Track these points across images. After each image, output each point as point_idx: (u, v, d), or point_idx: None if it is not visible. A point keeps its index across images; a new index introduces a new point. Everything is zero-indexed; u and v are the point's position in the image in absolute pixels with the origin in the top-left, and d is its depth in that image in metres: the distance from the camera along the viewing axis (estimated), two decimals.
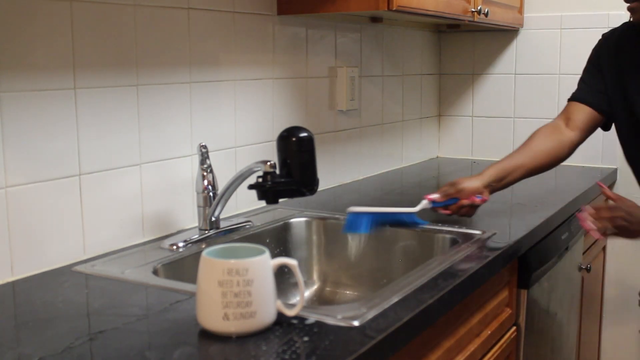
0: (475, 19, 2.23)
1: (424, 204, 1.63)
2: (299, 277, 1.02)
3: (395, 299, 1.14)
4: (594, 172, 2.52)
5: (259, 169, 1.42)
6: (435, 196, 1.63)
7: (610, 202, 1.62)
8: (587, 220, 1.49)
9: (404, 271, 1.61)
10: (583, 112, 1.78)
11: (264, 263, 1.00)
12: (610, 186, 2.60)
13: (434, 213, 1.66)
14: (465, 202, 1.62)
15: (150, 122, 1.53)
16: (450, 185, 1.64)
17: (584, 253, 2.25)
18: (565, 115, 1.82)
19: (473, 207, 1.64)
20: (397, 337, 1.04)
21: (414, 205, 1.64)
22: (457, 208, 1.63)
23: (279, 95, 1.93)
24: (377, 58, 2.42)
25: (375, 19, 2.33)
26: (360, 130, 2.36)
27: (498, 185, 1.69)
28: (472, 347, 1.40)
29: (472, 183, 1.63)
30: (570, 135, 1.78)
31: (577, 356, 2.29)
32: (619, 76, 1.68)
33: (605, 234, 1.50)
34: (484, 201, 1.64)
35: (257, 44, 1.83)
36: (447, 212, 1.63)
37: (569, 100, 1.83)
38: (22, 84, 1.26)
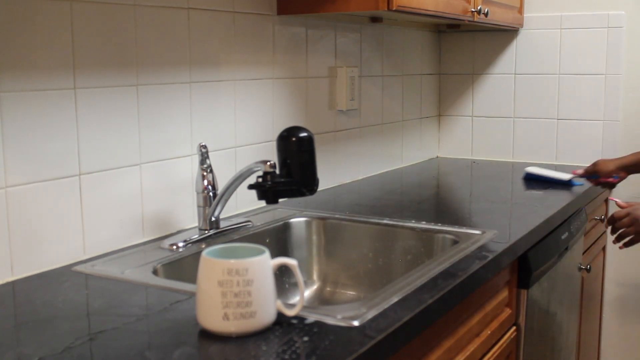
0: (475, 19, 2.23)
1: (570, 175, 2.15)
2: (299, 277, 1.02)
3: (395, 299, 1.14)
4: None
5: (259, 169, 1.42)
6: (579, 171, 2.12)
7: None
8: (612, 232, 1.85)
9: (404, 271, 1.61)
10: None
11: (264, 263, 1.00)
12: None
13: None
14: (602, 180, 2.06)
15: (150, 122, 1.53)
16: (592, 165, 2.09)
17: (584, 253, 2.25)
18: None
19: (612, 185, 2.08)
20: (397, 337, 1.04)
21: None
22: (596, 184, 2.09)
23: (279, 95, 1.93)
24: (377, 58, 2.42)
25: (375, 19, 2.33)
26: (360, 130, 2.36)
27: (636, 169, 2.04)
28: (472, 347, 1.40)
29: (608, 166, 2.04)
30: None
31: (577, 356, 2.29)
32: None
33: (626, 244, 1.79)
34: (619, 180, 2.05)
35: (257, 44, 1.83)
36: (592, 183, 2.11)
37: None
38: (22, 84, 1.26)
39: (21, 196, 1.28)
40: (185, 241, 1.48)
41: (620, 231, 1.90)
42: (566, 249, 1.96)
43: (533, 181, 2.24)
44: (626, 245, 1.92)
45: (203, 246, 1.47)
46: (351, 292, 1.70)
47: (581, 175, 2.10)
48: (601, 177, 2.04)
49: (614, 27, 2.56)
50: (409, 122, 2.69)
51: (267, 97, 1.88)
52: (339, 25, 2.18)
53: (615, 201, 1.91)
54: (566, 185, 2.15)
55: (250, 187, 1.42)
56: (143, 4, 1.49)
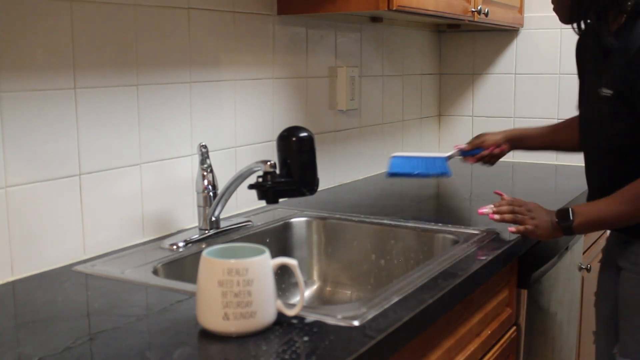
0: (475, 19, 2.23)
1: (453, 151, 1.91)
2: (299, 277, 1.02)
3: (395, 299, 1.14)
4: None
5: (259, 168, 1.42)
6: (463, 145, 1.92)
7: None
8: (485, 207, 1.58)
9: (404, 271, 1.61)
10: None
11: (264, 263, 1.00)
12: None
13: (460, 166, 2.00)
14: (485, 152, 1.88)
15: (150, 122, 1.53)
16: (476, 137, 1.93)
17: (584, 253, 2.25)
18: None
19: (494, 157, 1.89)
20: (397, 337, 1.04)
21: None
22: (480, 157, 1.90)
23: (279, 95, 1.93)
24: (377, 58, 2.42)
25: (375, 19, 2.33)
26: (360, 130, 2.36)
27: (519, 144, 1.91)
28: (472, 347, 1.40)
29: (494, 136, 1.89)
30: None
31: (577, 356, 2.29)
32: (580, 74, 1.72)
33: (504, 219, 1.53)
34: (501, 151, 1.88)
35: (257, 44, 1.83)
36: (472, 160, 1.90)
37: None
38: (22, 84, 1.26)
39: (21, 196, 1.28)
40: (185, 241, 1.48)
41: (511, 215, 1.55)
42: (566, 249, 1.96)
43: (397, 174, 1.91)
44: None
45: (203, 246, 1.47)
46: (351, 292, 1.70)
47: (466, 151, 1.90)
48: (485, 149, 1.87)
49: None
50: (409, 122, 2.69)
51: (267, 97, 1.88)
52: (339, 25, 2.18)
53: (501, 194, 1.67)
54: (436, 172, 1.90)
55: (251, 187, 1.42)
56: (143, 4, 1.49)
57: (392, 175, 1.89)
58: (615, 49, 1.46)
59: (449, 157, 1.90)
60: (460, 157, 1.91)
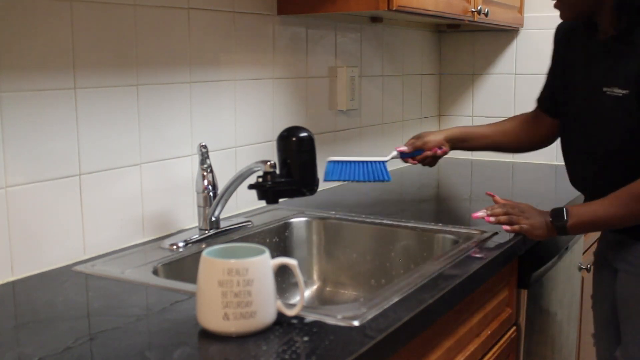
0: (475, 19, 2.23)
1: (393, 154, 1.82)
2: (299, 277, 1.02)
3: (395, 299, 1.14)
4: None
5: (259, 169, 1.42)
6: (403, 148, 1.83)
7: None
8: (479, 212, 1.57)
9: (404, 271, 1.61)
10: (544, 116, 1.82)
11: (264, 263, 1.00)
12: None
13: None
14: (428, 153, 1.81)
15: (150, 122, 1.53)
16: (416, 138, 1.84)
17: (584, 253, 2.25)
18: (535, 112, 1.87)
19: (435, 158, 1.83)
20: (397, 337, 1.04)
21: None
22: (421, 158, 1.82)
23: (279, 95, 1.93)
24: (377, 58, 2.42)
25: (375, 19, 2.33)
26: (360, 130, 2.36)
27: (461, 145, 1.85)
28: (472, 347, 1.40)
29: (435, 136, 1.82)
30: (538, 130, 1.83)
31: (577, 356, 2.29)
32: (564, 70, 1.66)
33: (499, 221, 1.53)
34: (444, 153, 1.81)
35: (257, 44, 1.83)
36: (414, 162, 1.83)
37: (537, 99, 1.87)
38: (22, 84, 1.26)
39: (21, 196, 1.28)
40: (185, 241, 1.48)
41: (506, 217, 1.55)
42: (566, 249, 1.96)
43: (333, 180, 1.81)
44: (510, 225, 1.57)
45: (203, 246, 1.47)
46: (351, 292, 1.70)
47: (406, 153, 1.81)
48: (426, 149, 1.79)
49: None
50: (409, 122, 2.69)
51: (267, 97, 1.88)
52: (339, 25, 2.18)
53: (492, 195, 1.64)
54: (376, 176, 1.80)
55: (250, 187, 1.42)
56: (143, 4, 1.49)
57: (328, 180, 1.80)
58: (626, 49, 1.43)
59: (388, 161, 1.82)
60: (401, 158, 1.85)
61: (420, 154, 1.81)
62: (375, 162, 1.81)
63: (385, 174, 1.80)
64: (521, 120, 1.87)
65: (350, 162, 1.80)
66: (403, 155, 1.83)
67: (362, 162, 1.80)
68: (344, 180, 1.81)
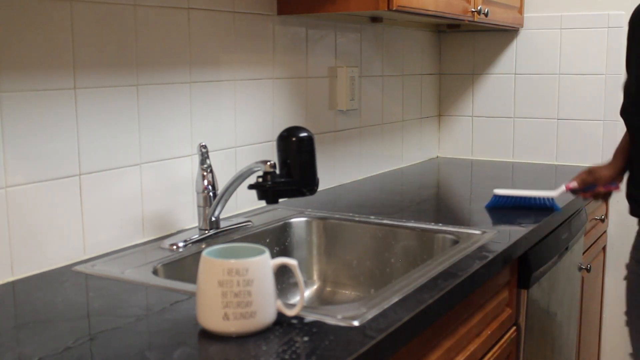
0: (475, 19, 2.23)
1: (561, 190, 1.77)
2: (299, 277, 1.02)
3: (395, 299, 1.14)
4: None
5: (259, 169, 1.42)
6: (573, 184, 1.75)
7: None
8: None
9: (404, 271, 1.61)
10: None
11: (264, 263, 1.00)
12: None
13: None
14: (602, 189, 1.73)
15: (150, 122, 1.53)
16: (587, 174, 1.75)
17: (584, 253, 2.25)
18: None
19: (607, 195, 1.77)
20: (397, 337, 1.04)
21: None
22: (594, 194, 1.76)
23: (279, 95, 1.93)
24: (377, 58, 2.42)
25: (375, 19, 2.33)
26: (360, 130, 2.36)
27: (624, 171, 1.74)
28: (472, 347, 1.40)
29: (607, 171, 1.73)
30: None
31: (577, 356, 2.29)
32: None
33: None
34: (618, 189, 1.74)
35: (257, 44, 1.83)
36: (588, 195, 1.77)
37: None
38: (22, 84, 1.26)
39: (21, 196, 1.28)
40: (185, 241, 1.48)
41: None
42: (566, 249, 1.96)
43: (501, 208, 1.83)
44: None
45: (203, 246, 1.47)
46: (351, 292, 1.70)
47: (577, 189, 1.76)
48: (599, 185, 1.73)
49: (614, 27, 2.56)
50: (409, 122, 2.69)
51: (267, 97, 1.88)
52: (339, 25, 2.18)
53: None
54: (544, 208, 1.81)
55: (250, 187, 1.42)
56: (143, 4, 1.49)
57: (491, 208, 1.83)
58: None
59: (556, 197, 1.81)
60: (571, 193, 1.81)
61: (591, 190, 1.76)
62: (544, 198, 1.80)
63: (554, 206, 1.81)
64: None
65: (516, 197, 1.81)
66: (574, 192, 1.79)
67: (529, 197, 1.81)
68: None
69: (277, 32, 1.90)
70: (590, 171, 1.75)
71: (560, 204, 1.83)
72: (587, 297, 2.37)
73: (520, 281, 1.65)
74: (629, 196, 1.67)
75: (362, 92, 2.33)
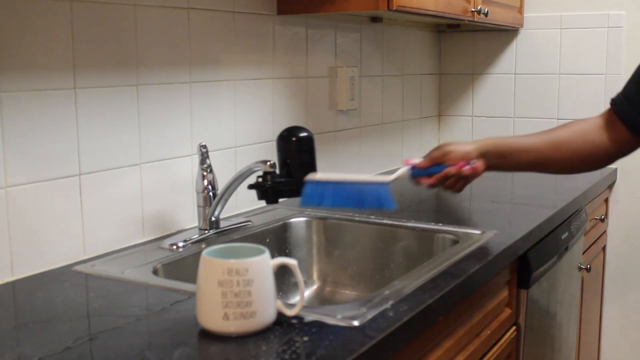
0: (475, 19, 2.23)
1: (402, 171, 1.32)
2: (299, 277, 1.02)
3: (395, 299, 1.14)
4: (595, 172, 2.51)
5: (259, 168, 1.42)
6: (416, 160, 1.33)
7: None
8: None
9: (404, 271, 1.61)
10: (617, 124, 1.39)
11: (264, 263, 1.00)
12: (610, 186, 2.60)
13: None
14: (451, 170, 1.29)
15: (150, 122, 1.53)
16: (437, 149, 1.35)
17: (584, 253, 2.25)
18: (606, 117, 1.41)
19: (461, 179, 1.30)
20: (397, 337, 1.04)
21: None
22: (442, 178, 1.29)
23: (279, 95, 1.93)
24: (377, 58, 2.42)
25: (375, 19, 2.33)
26: (360, 130, 2.36)
27: (500, 162, 1.35)
28: (472, 347, 1.40)
29: (464, 147, 1.32)
30: (606, 143, 1.38)
31: (577, 356, 2.29)
32: None
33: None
34: (474, 170, 1.29)
35: (257, 44, 1.83)
36: (430, 181, 1.31)
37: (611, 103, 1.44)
38: (22, 84, 1.26)
39: (21, 196, 1.28)
40: (185, 241, 1.48)
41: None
42: (566, 249, 1.96)
43: (318, 201, 1.33)
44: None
45: (203, 246, 1.47)
46: (351, 292, 1.70)
47: (420, 169, 1.33)
48: (449, 162, 1.30)
49: (614, 27, 2.56)
50: (409, 122, 2.69)
51: (267, 97, 1.88)
52: (339, 25, 2.18)
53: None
54: (373, 203, 1.30)
55: (250, 187, 1.42)
56: (143, 4, 1.49)
57: (306, 206, 1.37)
58: None
59: (392, 181, 1.32)
60: (412, 177, 1.35)
61: (440, 171, 1.31)
62: (373, 183, 1.30)
63: (386, 199, 1.28)
64: (581, 130, 1.40)
65: (337, 182, 1.29)
66: (416, 173, 1.34)
67: (356, 183, 1.30)
68: (328, 207, 1.32)
69: (277, 32, 1.90)
70: (441, 146, 1.35)
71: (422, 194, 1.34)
72: (587, 297, 2.37)
73: (520, 281, 1.65)
74: None
75: (362, 92, 2.33)
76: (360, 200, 1.28)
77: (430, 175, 1.31)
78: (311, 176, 1.28)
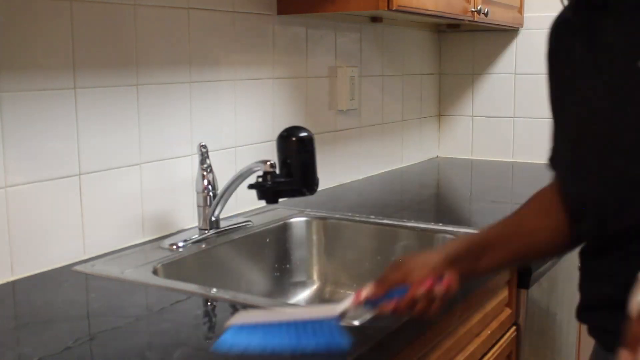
0: (475, 19, 2.23)
1: (350, 302, 0.98)
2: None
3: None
4: None
5: (259, 168, 1.42)
6: (367, 292, 0.99)
7: None
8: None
9: None
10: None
11: None
12: None
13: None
14: (418, 291, 0.97)
15: (150, 122, 1.53)
16: (393, 268, 1.02)
17: None
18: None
19: (433, 300, 0.99)
20: (397, 337, 1.04)
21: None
22: (408, 303, 0.98)
23: (279, 95, 1.93)
24: (377, 58, 2.42)
25: (375, 19, 2.33)
26: (360, 130, 2.36)
27: (475, 266, 1.06)
28: (472, 347, 1.40)
29: (428, 260, 1.02)
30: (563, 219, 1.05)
31: (577, 356, 2.29)
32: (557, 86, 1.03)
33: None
34: (448, 287, 0.99)
35: (257, 44, 1.83)
36: (393, 306, 0.98)
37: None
38: (22, 84, 1.26)
39: (21, 196, 1.28)
40: (185, 241, 1.48)
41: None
42: None
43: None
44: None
45: (203, 246, 1.47)
46: (351, 292, 1.70)
47: (375, 299, 0.99)
48: (414, 283, 0.97)
49: None
50: (409, 122, 2.69)
51: (267, 97, 1.88)
52: (339, 25, 2.18)
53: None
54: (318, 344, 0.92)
55: (250, 187, 1.42)
56: (143, 4, 1.49)
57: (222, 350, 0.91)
58: None
59: (340, 316, 0.97)
60: (366, 307, 1.01)
61: (402, 295, 0.98)
62: (316, 321, 0.96)
63: (337, 337, 0.93)
64: (541, 199, 1.10)
65: (268, 325, 0.96)
66: (372, 304, 1.00)
67: (293, 322, 0.96)
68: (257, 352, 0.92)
69: (277, 32, 1.90)
70: (397, 264, 1.03)
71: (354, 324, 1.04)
72: None
73: (520, 281, 1.65)
74: (598, 327, 1.04)
75: (362, 92, 2.33)
76: (300, 342, 0.93)
77: (390, 300, 0.99)
78: (235, 320, 0.97)
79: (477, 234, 1.12)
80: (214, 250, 1.49)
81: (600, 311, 0.98)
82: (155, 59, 1.53)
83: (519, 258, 1.19)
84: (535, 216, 1.10)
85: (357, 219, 1.73)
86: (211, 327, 1.09)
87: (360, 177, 2.36)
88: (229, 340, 0.92)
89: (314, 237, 1.75)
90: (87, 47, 1.37)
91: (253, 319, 0.98)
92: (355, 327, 1.02)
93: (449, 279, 0.99)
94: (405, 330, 1.06)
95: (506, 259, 1.11)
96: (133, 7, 1.46)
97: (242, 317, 0.99)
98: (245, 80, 1.80)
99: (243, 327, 0.95)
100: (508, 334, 1.60)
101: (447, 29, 2.85)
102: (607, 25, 0.91)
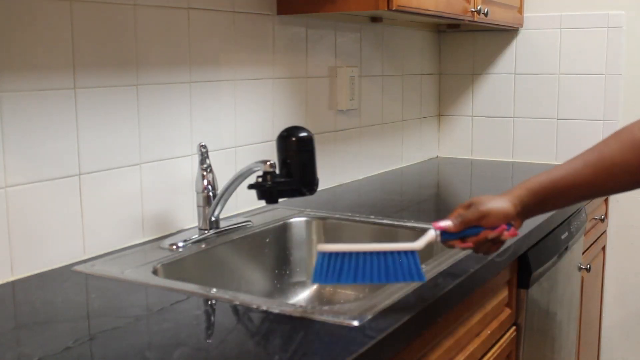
0: (475, 19, 2.23)
1: (431, 235, 1.10)
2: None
3: (395, 299, 1.14)
4: None
5: (258, 168, 1.42)
6: (447, 224, 1.11)
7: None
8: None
9: None
10: None
11: None
12: None
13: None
14: (491, 234, 1.09)
15: (150, 122, 1.53)
16: (467, 208, 1.12)
17: (583, 253, 2.25)
18: None
19: (498, 243, 1.12)
20: (397, 337, 1.04)
21: (413, 237, 1.14)
22: (480, 242, 1.10)
23: (279, 95, 1.93)
24: (377, 58, 2.42)
25: (375, 19, 2.33)
26: (360, 130, 2.36)
27: (542, 208, 1.15)
28: (472, 347, 1.40)
29: (502, 205, 1.10)
30: None
31: (577, 356, 2.29)
32: None
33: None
34: (513, 235, 1.11)
35: (257, 44, 1.83)
36: (467, 245, 1.11)
37: None
38: (22, 84, 1.26)
39: (21, 196, 1.28)
40: (185, 241, 1.48)
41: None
42: (566, 248, 1.96)
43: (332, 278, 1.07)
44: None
45: (203, 246, 1.47)
46: (351, 292, 1.70)
47: (451, 233, 1.11)
48: (487, 225, 1.10)
49: (614, 27, 2.56)
50: (409, 122, 2.69)
51: (267, 97, 1.88)
52: (339, 25, 2.18)
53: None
54: (399, 275, 1.08)
55: (250, 187, 1.42)
56: (143, 4, 1.49)
57: (318, 282, 1.14)
58: None
59: (420, 249, 1.09)
60: (442, 242, 1.13)
61: (475, 234, 1.10)
62: (399, 253, 1.08)
63: (416, 271, 1.07)
64: (632, 140, 1.12)
65: (355, 253, 1.07)
66: (447, 237, 1.12)
67: (376, 253, 1.07)
68: (345, 284, 1.16)
69: (277, 32, 1.90)
70: (473, 203, 1.12)
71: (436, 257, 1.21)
72: (587, 297, 2.37)
73: (520, 281, 1.65)
74: None
75: (362, 92, 2.33)
76: (384, 275, 1.07)
77: (463, 238, 1.11)
78: (323, 247, 1.06)
79: (557, 173, 1.13)
80: (214, 250, 1.49)
81: None
82: (155, 59, 1.53)
83: (599, 194, 1.26)
84: (620, 153, 1.11)
85: (357, 219, 1.73)
86: (211, 327, 1.09)
87: (360, 177, 2.36)
88: (320, 268, 1.05)
89: (314, 237, 1.75)
90: (87, 47, 1.37)
91: (340, 248, 1.06)
92: (355, 327, 1.02)
93: (516, 227, 1.12)
94: (406, 330, 1.06)
95: (585, 197, 1.18)
96: (133, 7, 1.46)
97: (330, 247, 1.06)
98: (245, 80, 1.80)
99: (331, 255, 1.06)
100: (508, 334, 1.60)
101: (447, 29, 2.85)
102: None
